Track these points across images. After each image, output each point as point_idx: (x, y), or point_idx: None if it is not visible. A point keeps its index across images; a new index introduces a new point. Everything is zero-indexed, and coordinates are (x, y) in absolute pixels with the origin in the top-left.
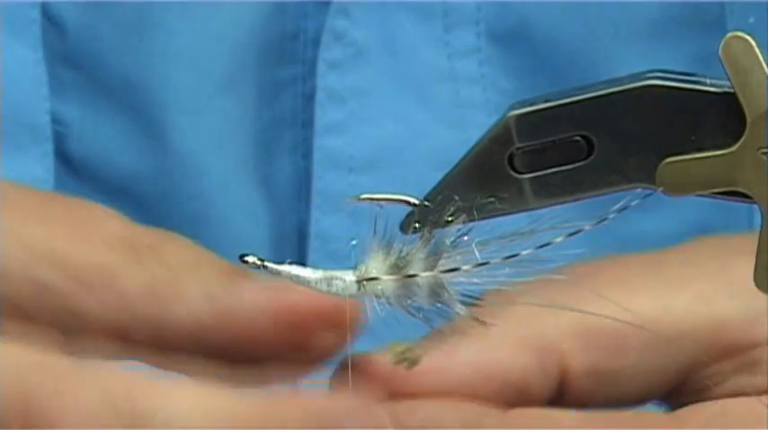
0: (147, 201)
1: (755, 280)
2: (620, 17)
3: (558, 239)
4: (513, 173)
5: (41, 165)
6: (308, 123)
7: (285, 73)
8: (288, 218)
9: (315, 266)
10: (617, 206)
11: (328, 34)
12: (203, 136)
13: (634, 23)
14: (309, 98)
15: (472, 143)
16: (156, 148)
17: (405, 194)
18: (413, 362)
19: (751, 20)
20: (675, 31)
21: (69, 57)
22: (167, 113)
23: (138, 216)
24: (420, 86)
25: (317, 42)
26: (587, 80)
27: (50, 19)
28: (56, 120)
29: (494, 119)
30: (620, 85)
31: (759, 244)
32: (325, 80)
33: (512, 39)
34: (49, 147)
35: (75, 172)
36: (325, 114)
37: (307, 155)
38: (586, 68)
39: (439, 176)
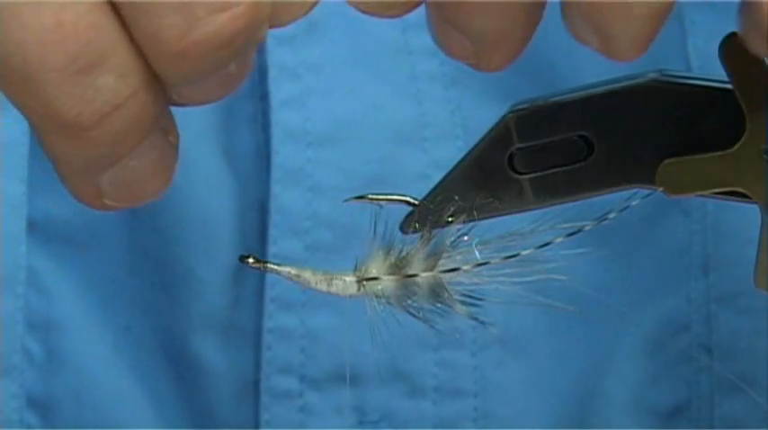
0: None
1: (755, 280)
2: None
3: (558, 239)
4: (512, 173)
5: (18, 127)
6: (265, 97)
7: None
8: (250, 190)
9: (314, 268)
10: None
11: None
12: None
13: None
14: (265, 71)
15: (429, 116)
16: None
17: (403, 194)
18: None
19: None
20: None
21: None
22: None
23: None
24: (375, 60)
25: None
26: (544, 52)
27: None
28: None
29: (451, 91)
30: (620, 84)
31: (759, 244)
32: (276, 55)
33: None
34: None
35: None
36: (280, 89)
37: (266, 128)
38: (545, 37)
39: (396, 150)
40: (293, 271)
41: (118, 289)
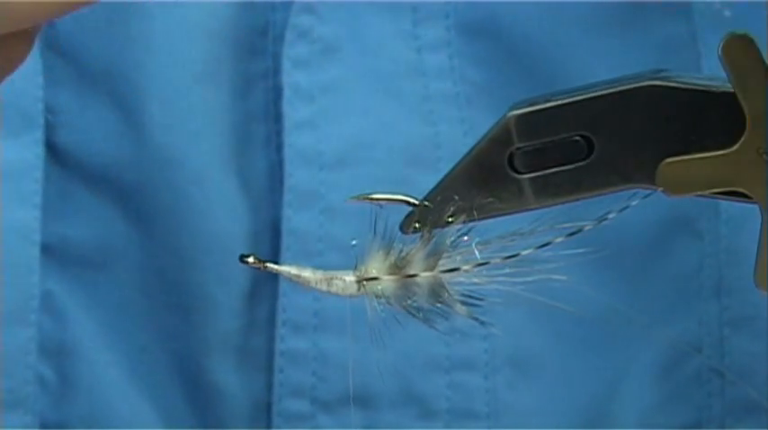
0: (126, 190)
1: (755, 280)
2: (588, 7)
3: (558, 239)
4: (512, 173)
5: (32, 151)
6: (279, 118)
7: (256, 67)
8: (263, 212)
9: (316, 268)
10: (617, 206)
11: (292, 31)
12: (180, 126)
13: (602, 13)
14: (280, 92)
15: (443, 137)
16: (134, 138)
17: (402, 194)
18: None
19: (727, 13)
20: (643, 19)
21: (57, 44)
22: (145, 102)
23: (117, 205)
24: (389, 81)
25: (283, 38)
26: (557, 72)
27: None
28: (46, 108)
29: (465, 112)
30: (620, 85)
31: (759, 244)
32: (292, 77)
33: (482, 31)
34: (40, 135)
35: (60, 159)
36: (294, 111)
37: (280, 149)
38: (556, 60)
39: (410, 172)
40: (293, 270)
41: (133, 311)
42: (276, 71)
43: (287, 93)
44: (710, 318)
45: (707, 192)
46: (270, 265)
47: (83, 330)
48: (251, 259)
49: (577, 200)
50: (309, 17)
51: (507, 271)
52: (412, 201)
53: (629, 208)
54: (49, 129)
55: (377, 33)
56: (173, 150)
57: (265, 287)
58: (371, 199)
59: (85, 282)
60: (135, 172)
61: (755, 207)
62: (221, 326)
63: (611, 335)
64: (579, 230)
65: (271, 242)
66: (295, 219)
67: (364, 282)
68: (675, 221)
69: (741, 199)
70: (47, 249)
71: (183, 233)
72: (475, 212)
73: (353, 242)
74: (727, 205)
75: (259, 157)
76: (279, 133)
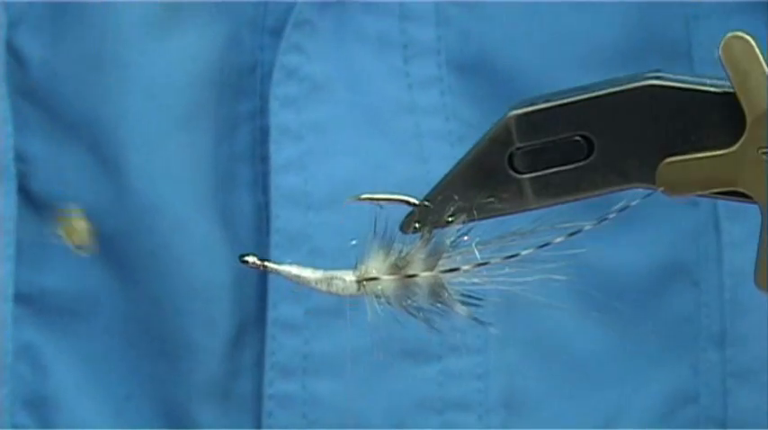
0: (106, 238)
1: (755, 280)
2: (583, 46)
3: (558, 239)
4: (513, 173)
5: (5, 202)
6: (266, 159)
7: (243, 107)
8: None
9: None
10: (617, 206)
11: (280, 71)
12: (160, 172)
13: (597, 52)
14: (267, 132)
15: (434, 174)
16: (113, 185)
17: (404, 195)
18: None
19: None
20: (640, 60)
21: (31, 92)
22: (124, 149)
23: (97, 252)
24: (380, 119)
25: (271, 77)
26: None
27: (13, 53)
28: (18, 157)
29: (457, 149)
30: (620, 85)
31: (759, 244)
32: (279, 117)
33: (474, 68)
34: (13, 185)
35: (36, 207)
36: (281, 152)
37: (266, 190)
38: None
39: (402, 210)
40: (293, 270)
41: (116, 359)
42: (263, 111)
43: (273, 133)
44: (711, 367)
45: (707, 192)
46: (270, 265)
47: (64, 380)
48: (251, 259)
49: (577, 200)
50: (298, 56)
51: (507, 271)
52: (412, 201)
53: (629, 208)
54: (24, 176)
55: (367, 71)
56: (153, 197)
57: (251, 331)
58: (371, 199)
59: (66, 332)
60: (114, 219)
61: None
62: (207, 372)
63: (606, 379)
64: (579, 230)
65: (257, 284)
66: (283, 260)
67: (364, 282)
68: (672, 268)
69: (741, 199)
70: (24, 300)
71: (165, 280)
72: (475, 212)
73: (353, 242)
74: (731, 256)
75: (245, 199)
76: (265, 174)
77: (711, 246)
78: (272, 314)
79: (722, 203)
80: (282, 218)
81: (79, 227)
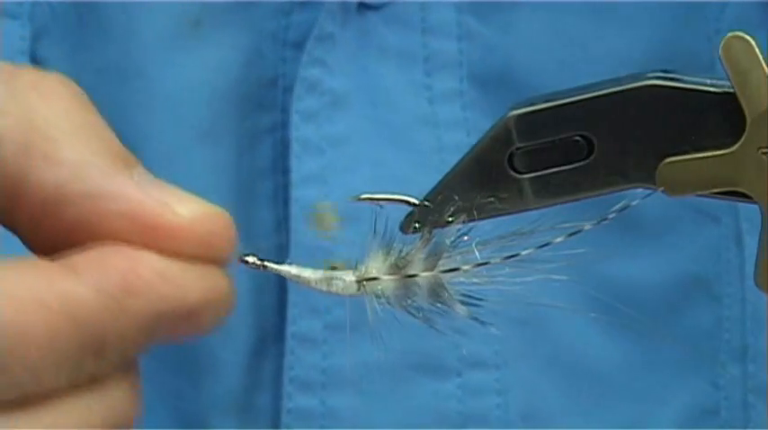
0: None
1: (756, 279)
2: (606, 61)
3: (558, 239)
4: (513, 173)
5: None
6: (287, 172)
7: (264, 120)
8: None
9: (316, 266)
10: (617, 206)
11: (301, 84)
12: (181, 185)
13: (620, 68)
14: (288, 146)
15: None
16: None
17: (405, 195)
18: None
19: None
20: None
21: None
22: (146, 162)
23: None
24: (401, 133)
25: (293, 90)
26: None
27: (36, 65)
28: None
29: None
30: (620, 85)
31: (759, 244)
32: (300, 131)
33: (495, 82)
34: None
35: None
36: (301, 165)
37: (287, 204)
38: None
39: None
40: (293, 270)
41: None
42: (284, 125)
43: (294, 146)
44: (732, 382)
45: (707, 192)
46: (270, 265)
47: None
48: (251, 259)
49: (577, 200)
50: (319, 70)
51: (507, 271)
52: (412, 201)
53: (629, 208)
54: None
55: (388, 85)
56: None
57: (271, 345)
58: (371, 199)
59: None
60: None
61: None
62: (226, 385)
63: (626, 394)
64: (579, 230)
65: (277, 298)
66: None
67: (364, 282)
68: (694, 282)
69: (741, 199)
70: None
71: None
72: (475, 212)
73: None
74: (749, 263)
75: (264, 213)
76: (286, 187)
77: (733, 261)
78: (291, 328)
79: (745, 217)
80: (301, 232)
81: None
